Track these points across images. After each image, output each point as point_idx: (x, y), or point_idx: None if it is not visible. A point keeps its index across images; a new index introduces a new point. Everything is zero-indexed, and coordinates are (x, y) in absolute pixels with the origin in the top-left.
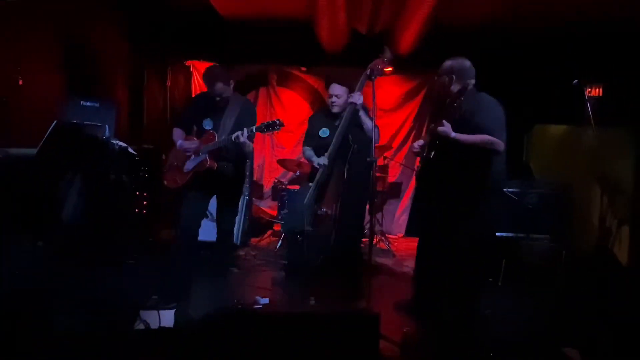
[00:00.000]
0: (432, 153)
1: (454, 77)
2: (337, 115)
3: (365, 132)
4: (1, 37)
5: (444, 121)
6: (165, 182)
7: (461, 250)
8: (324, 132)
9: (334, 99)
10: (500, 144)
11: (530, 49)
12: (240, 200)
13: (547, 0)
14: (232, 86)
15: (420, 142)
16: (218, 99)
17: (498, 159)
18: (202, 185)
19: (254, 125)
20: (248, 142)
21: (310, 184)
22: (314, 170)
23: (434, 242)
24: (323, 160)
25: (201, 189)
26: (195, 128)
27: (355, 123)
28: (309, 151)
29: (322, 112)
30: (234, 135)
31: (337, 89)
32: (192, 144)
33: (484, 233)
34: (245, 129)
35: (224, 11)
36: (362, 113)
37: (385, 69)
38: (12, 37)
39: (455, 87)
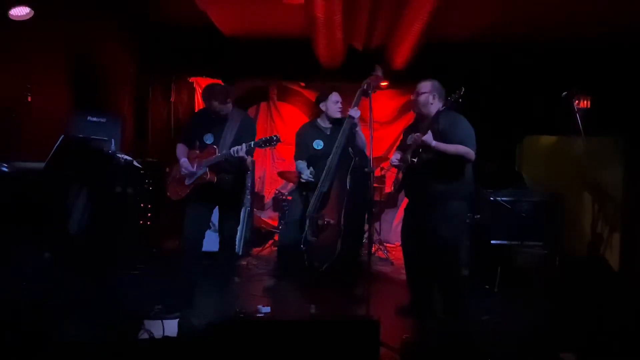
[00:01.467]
0: (415, 160)
1: (436, 95)
2: (326, 128)
3: (358, 145)
4: (11, 54)
5: (429, 131)
6: (168, 194)
7: (443, 253)
8: (317, 144)
9: (339, 105)
10: (472, 154)
11: (521, 62)
12: (242, 211)
13: (536, 15)
14: (229, 104)
15: (398, 155)
16: (215, 117)
17: (469, 167)
18: (203, 197)
19: (253, 138)
20: (246, 156)
21: (303, 194)
22: (302, 182)
23: (417, 247)
24: (307, 176)
25: (202, 200)
26: (197, 143)
27: (351, 136)
28: (302, 164)
29: (311, 125)
30: (232, 150)
31: (339, 97)
32: (191, 167)
33: (461, 235)
34: (243, 144)
35: (227, 30)
36: (358, 127)
37: (380, 84)
38: (22, 54)
39: (434, 104)
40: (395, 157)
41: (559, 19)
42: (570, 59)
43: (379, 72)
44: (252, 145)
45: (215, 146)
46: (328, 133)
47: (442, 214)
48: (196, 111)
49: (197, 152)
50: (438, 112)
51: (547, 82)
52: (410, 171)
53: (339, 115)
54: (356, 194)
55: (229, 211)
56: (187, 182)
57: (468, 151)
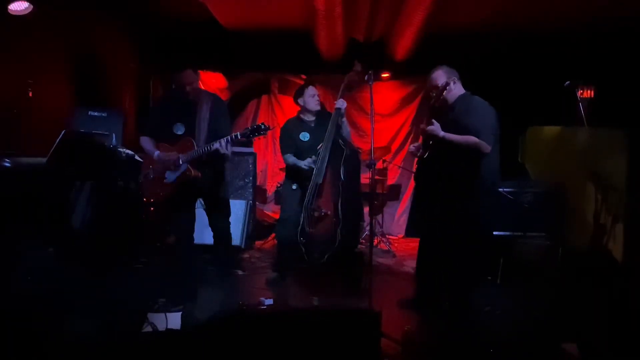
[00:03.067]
0: (427, 153)
1: (455, 79)
2: (310, 121)
3: (343, 136)
4: (12, 50)
5: (433, 120)
6: (145, 196)
7: (456, 247)
8: (304, 136)
9: (316, 98)
10: (485, 146)
11: (523, 52)
12: (244, 205)
13: (538, 6)
14: (197, 81)
15: (417, 143)
16: (182, 102)
17: (490, 160)
18: (187, 194)
19: (228, 122)
20: (231, 149)
21: (293, 187)
22: (299, 173)
23: (432, 239)
24: (310, 162)
25: (187, 197)
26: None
27: (338, 127)
28: (292, 157)
29: (296, 119)
30: (219, 144)
31: (315, 90)
32: (171, 155)
33: (478, 231)
34: (228, 137)
35: (227, 23)
36: (343, 118)
37: (360, 81)
38: (23, 50)
39: (456, 89)
40: (414, 144)
41: (562, 7)
42: (573, 48)
43: (359, 68)
44: (238, 137)
45: (190, 138)
46: (313, 125)
47: (452, 212)
48: (159, 99)
49: (167, 145)
50: (457, 98)
51: (551, 72)
52: (423, 165)
53: (318, 108)
54: (350, 184)
55: (217, 205)
56: (168, 180)
57: (479, 143)
